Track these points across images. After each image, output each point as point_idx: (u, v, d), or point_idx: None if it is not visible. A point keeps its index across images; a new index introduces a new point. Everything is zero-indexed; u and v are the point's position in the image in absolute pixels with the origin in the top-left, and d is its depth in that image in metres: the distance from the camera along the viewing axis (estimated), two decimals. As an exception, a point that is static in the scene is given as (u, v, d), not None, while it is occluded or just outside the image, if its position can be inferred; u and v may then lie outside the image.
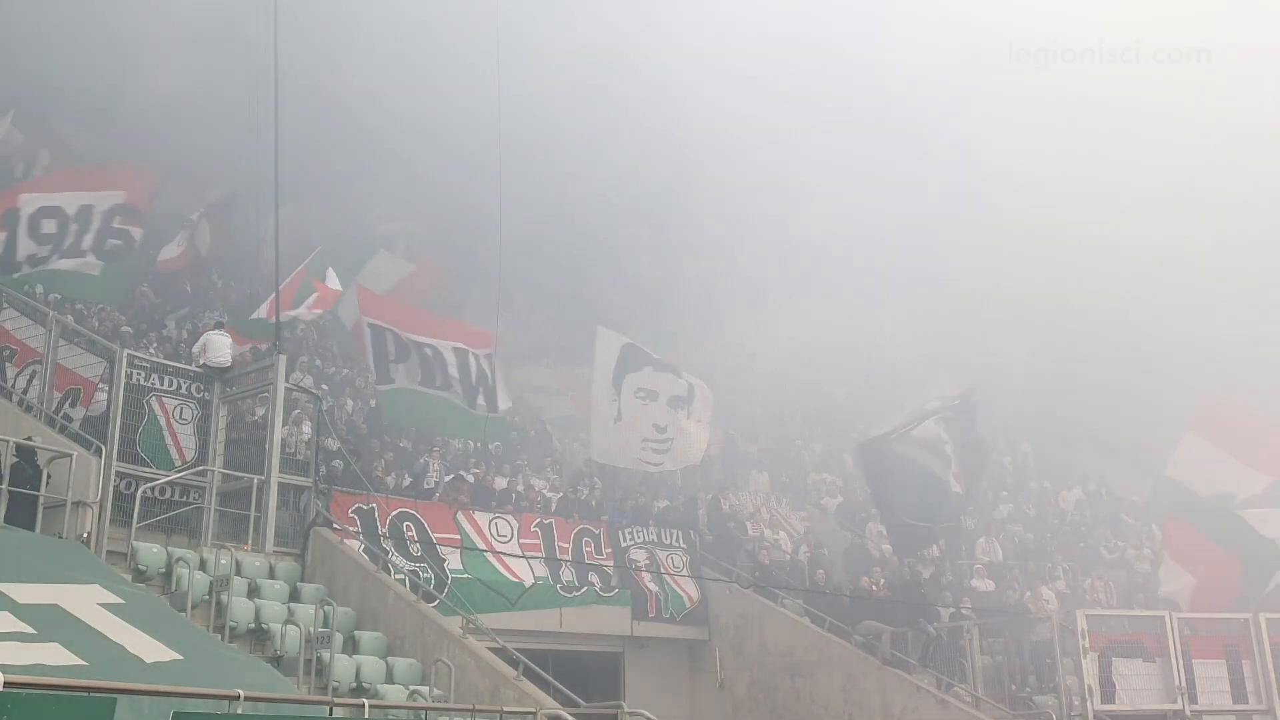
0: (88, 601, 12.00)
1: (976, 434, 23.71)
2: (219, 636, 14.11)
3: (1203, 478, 25.18)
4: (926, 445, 22.86)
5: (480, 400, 22.03)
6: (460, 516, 19.80)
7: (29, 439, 15.02)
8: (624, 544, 21.66)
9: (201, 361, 17.62)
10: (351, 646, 15.29)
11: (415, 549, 18.76)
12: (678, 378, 23.01)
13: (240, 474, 17.00)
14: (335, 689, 13.83)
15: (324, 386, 22.10)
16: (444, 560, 18.90)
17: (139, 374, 16.78)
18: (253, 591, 15.40)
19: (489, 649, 15.10)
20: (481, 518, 20.05)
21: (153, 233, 23.28)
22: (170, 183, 23.63)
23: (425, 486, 20.44)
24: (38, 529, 14.51)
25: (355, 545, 17.41)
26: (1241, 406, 26.26)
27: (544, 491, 22.14)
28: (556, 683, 14.55)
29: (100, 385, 16.76)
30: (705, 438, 23.41)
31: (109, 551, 15.04)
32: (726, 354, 31.45)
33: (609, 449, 23.32)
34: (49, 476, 14.94)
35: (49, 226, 21.35)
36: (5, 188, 22.90)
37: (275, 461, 17.01)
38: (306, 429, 18.62)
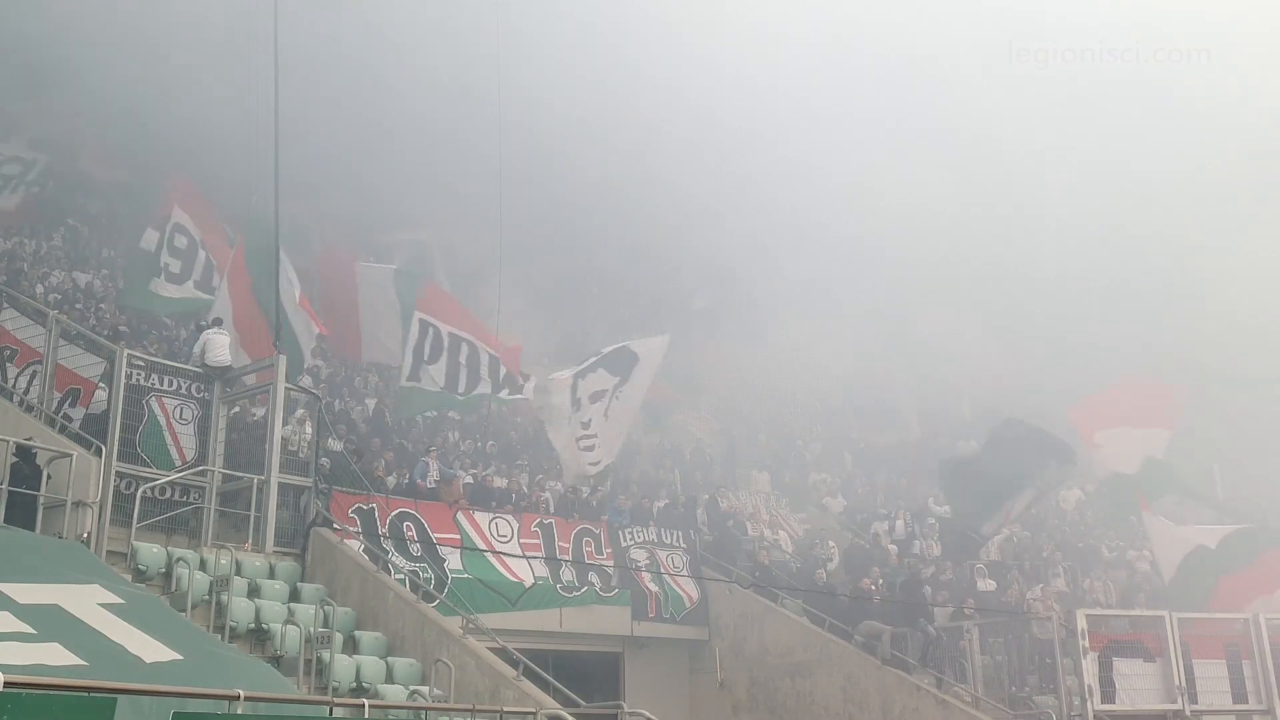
0: (88, 601, 11.98)
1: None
2: (219, 636, 14.09)
3: (1122, 457, 25.59)
4: None
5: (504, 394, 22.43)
6: (460, 516, 19.80)
7: (29, 440, 15.01)
8: (624, 544, 21.66)
9: (202, 361, 17.61)
10: (351, 646, 15.28)
11: (415, 549, 18.75)
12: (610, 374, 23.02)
13: (240, 474, 17.00)
14: (335, 689, 13.82)
15: (323, 385, 22.10)
16: (444, 560, 18.90)
17: (139, 374, 16.78)
18: (253, 591, 15.39)
19: (489, 649, 15.10)
20: (481, 518, 20.05)
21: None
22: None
23: (426, 487, 20.41)
24: (38, 529, 14.50)
25: (355, 545, 17.41)
26: (1104, 396, 26.75)
27: (544, 492, 22.13)
28: (556, 683, 14.55)
29: (100, 385, 16.74)
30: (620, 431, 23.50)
31: (109, 551, 15.03)
32: (729, 353, 31.52)
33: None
34: (49, 476, 14.93)
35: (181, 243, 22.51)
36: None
37: (275, 461, 17.00)
38: (309, 429, 18.61)
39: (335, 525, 17.52)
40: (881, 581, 21.80)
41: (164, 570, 15.09)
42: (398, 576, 17.29)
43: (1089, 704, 18.38)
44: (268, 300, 18.85)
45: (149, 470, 16.33)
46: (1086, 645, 18.64)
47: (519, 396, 23.48)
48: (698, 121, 30.31)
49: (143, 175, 28.29)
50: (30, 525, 14.44)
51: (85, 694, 7.81)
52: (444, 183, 28.02)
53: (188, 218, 22.57)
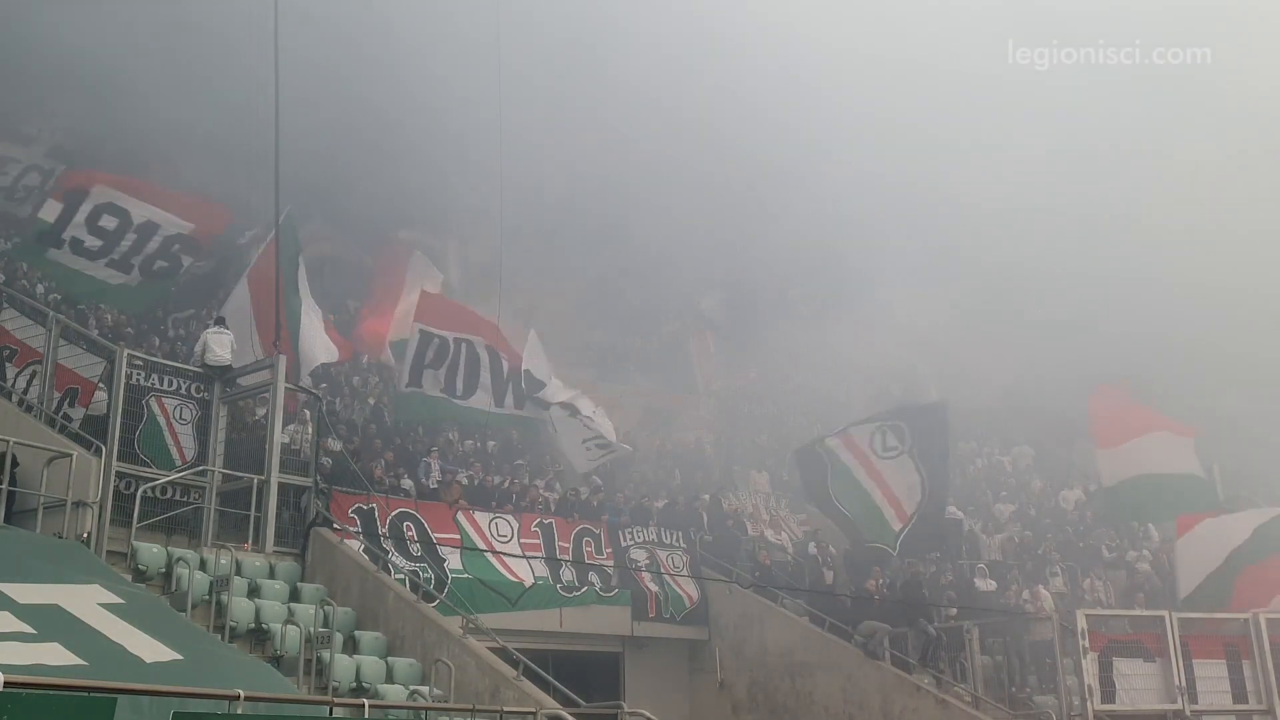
0: (88, 601, 11.97)
1: (943, 445, 23.50)
2: (219, 636, 14.09)
3: (1145, 462, 25.20)
4: (860, 453, 23.00)
5: (509, 399, 22.38)
6: (460, 516, 19.80)
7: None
8: (624, 544, 21.65)
9: (202, 361, 17.60)
10: (351, 646, 15.28)
11: (415, 549, 18.75)
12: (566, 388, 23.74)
13: (240, 474, 16.99)
14: (335, 689, 13.82)
15: (324, 385, 22.09)
16: (444, 560, 18.90)
17: (138, 374, 16.76)
18: (253, 591, 15.39)
19: (489, 649, 15.10)
20: (481, 518, 20.05)
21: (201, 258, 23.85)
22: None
23: (429, 487, 20.41)
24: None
25: (355, 545, 17.40)
26: (1121, 392, 26.43)
27: (544, 491, 22.13)
28: (556, 683, 14.55)
29: (100, 385, 16.73)
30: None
31: (109, 551, 15.01)
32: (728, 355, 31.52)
33: (577, 458, 23.90)
34: (16, 465, 14.82)
35: (108, 223, 22.10)
36: (80, 167, 23.65)
37: (275, 461, 16.99)
38: (310, 429, 18.59)
39: (335, 525, 17.52)
40: (882, 582, 21.83)
41: (164, 570, 15.09)
42: (398, 576, 17.28)
43: (1089, 704, 18.40)
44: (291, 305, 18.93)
45: (149, 470, 16.31)
46: (1087, 645, 18.66)
47: (515, 412, 23.43)
48: (696, 135, 30.33)
49: (141, 174, 28.28)
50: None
51: (85, 694, 7.80)
52: (453, 180, 27.98)
53: (127, 198, 22.49)
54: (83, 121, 26.86)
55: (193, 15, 25.27)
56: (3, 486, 14.42)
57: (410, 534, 18.88)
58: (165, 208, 22.76)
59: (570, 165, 28.65)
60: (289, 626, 14.55)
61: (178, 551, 15.33)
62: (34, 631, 10.70)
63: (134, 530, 15.38)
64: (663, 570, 21.80)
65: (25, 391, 17.18)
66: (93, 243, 22.38)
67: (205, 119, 24.76)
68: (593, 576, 20.78)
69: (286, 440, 17.98)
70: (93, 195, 22.47)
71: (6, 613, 10.94)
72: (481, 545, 19.60)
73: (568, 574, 20.43)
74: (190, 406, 17.21)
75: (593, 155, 28.61)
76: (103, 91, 25.38)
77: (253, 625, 14.81)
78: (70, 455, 14.94)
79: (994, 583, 22.70)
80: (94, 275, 22.35)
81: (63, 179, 23.72)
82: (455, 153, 26.83)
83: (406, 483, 20.20)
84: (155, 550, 15.25)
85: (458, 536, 19.47)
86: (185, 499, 16.67)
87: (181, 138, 25.31)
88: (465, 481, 20.98)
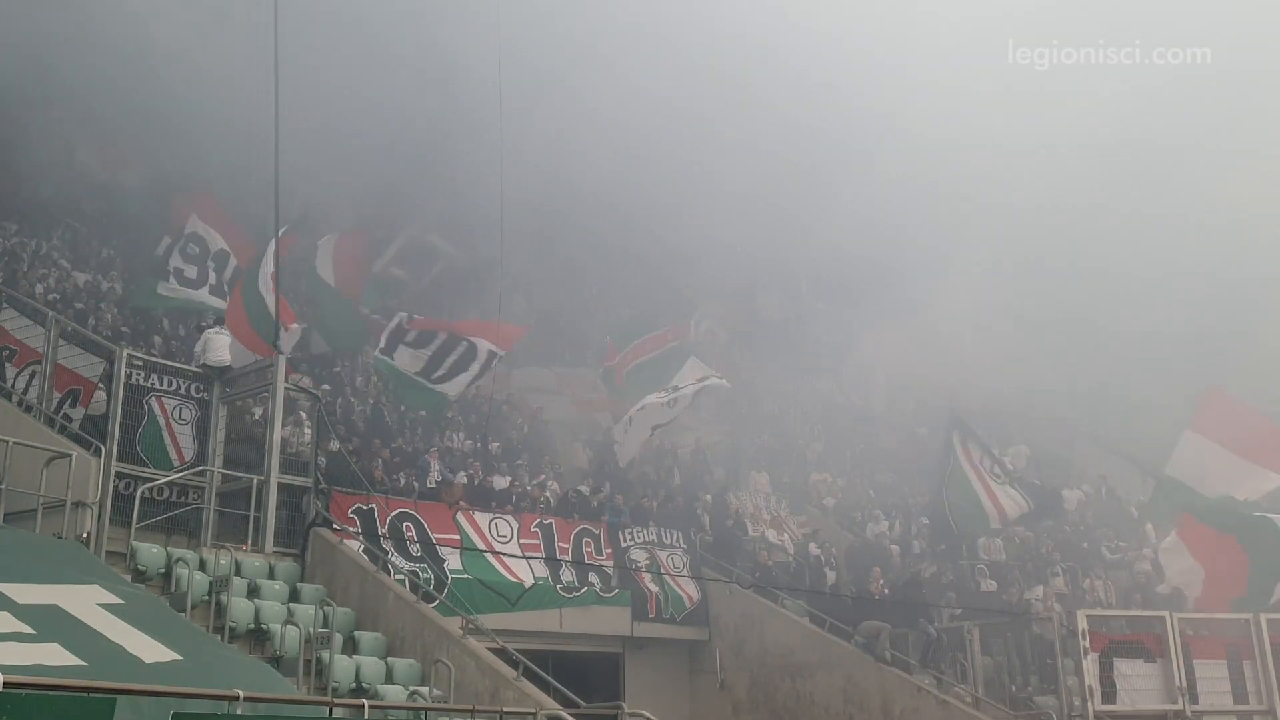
0: (87, 602, 11.96)
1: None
2: (219, 637, 14.08)
3: (1205, 476, 24.86)
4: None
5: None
6: (460, 517, 19.78)
7: None
8: (624, 544, 21.63)
9: (202, 360, 17.59)
10: (351, 647, 15.26)
11: (415, 549, 18.73)
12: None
13: (240, 474, 16.97)
14: (335, 689, 13.81)
15: (326, 386, 22.06)
16: (444, 560, 18.88)
17: (138, 374, 16.74)
18: (252, 592, 15.37)
19: (489, 649, 15.08)
20: (481, 518, 20.03)
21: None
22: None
23: (427, 486, 20.39)
24: None
25: (355, 545, 17.39)
26: (1239, 404, 25.84)
27: (544, 491, 22.09)
28: (556, 683, 14.53)
29: (100, 385, 16.71)
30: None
31: (108, 552, 14.99)
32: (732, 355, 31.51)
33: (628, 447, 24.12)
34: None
35: (193, 250, 22.65)
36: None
37: (275, 461, 16.97)
38: (308, 430, 18.57)
39: (335, 525, 17.50)
40: (881, 582, 21.82)
41: (164, 570, 15.07)
42: (397, 577, 17.27)
43: (1090, 704, 18.38)
44: (250, 300, 18.80)
45: (148, 470, 16.30)
46: (1087, 646, 18.66)
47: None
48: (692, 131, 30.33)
49: (142, 174, 28.29)
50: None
51: (85, 694, 7.80)
52: (448, 173, 27.94)
53: (208, 228, 22.72)
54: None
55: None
56: (2, 486, 14.42)
57: (410, 534, 18.86)
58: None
59: (590, 165, 28.63)
60: (288, 627, 14.53)
61: (177, 552, 15.31)
62: (33, 632, 10.68)
63: (133, 530, 15.36)
64: (663, 570, 21.78)
65: (25, 392, 17.16)
66: (189, 270, 22.58)
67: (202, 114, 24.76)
68: (593, 577, 20.76)
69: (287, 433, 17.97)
70: (189, 225, 22.87)
71: (6, 613, 10.93)
72: (481, 545, 19.58)
73: (568, 574, 20.41)
74: (190, 407, 17.21)
75: (611, 156, 28.65)
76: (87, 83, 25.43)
77: (252, 626, 14.78)
78: (70, 455, 14.92)
79: (995, 583, 22.70)
80: (204, 302, 22.34)
81: (175, 214, 23.77)
82: (460, 150, 26.82)
83: (401, 481, 20.14)
84: (155, 551, 15.23)
85: (457, 537, 19.45)
86: (184, 499, 16.66)
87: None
88: (464, 480, 20.96)
